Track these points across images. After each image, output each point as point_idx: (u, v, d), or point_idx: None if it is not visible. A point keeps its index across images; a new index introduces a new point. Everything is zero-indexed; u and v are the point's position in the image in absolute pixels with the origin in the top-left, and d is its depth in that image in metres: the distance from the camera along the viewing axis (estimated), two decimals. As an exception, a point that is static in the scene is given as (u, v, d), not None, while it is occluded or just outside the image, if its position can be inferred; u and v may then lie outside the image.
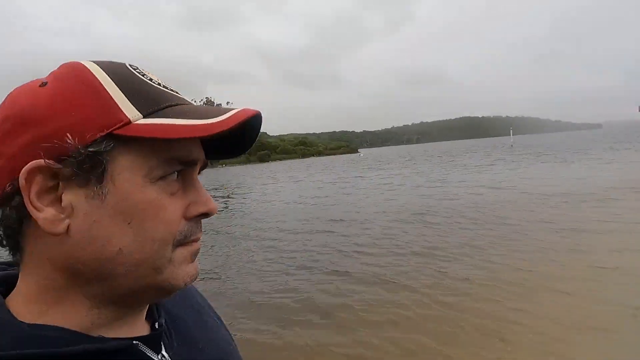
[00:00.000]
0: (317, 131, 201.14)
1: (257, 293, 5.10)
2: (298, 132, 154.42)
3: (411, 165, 31.92)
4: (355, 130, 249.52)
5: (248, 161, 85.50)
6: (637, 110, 38.13)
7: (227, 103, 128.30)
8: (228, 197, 19.25)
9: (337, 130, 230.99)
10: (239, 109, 0.36)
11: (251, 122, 0.38)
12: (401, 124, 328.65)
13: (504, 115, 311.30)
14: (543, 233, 7.00)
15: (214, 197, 14.44)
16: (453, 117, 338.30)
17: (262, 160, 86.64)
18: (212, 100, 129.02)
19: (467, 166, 25.38)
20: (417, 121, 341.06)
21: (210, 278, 6.17)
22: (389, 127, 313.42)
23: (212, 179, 36.99)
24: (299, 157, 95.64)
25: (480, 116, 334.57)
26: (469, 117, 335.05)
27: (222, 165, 77.76)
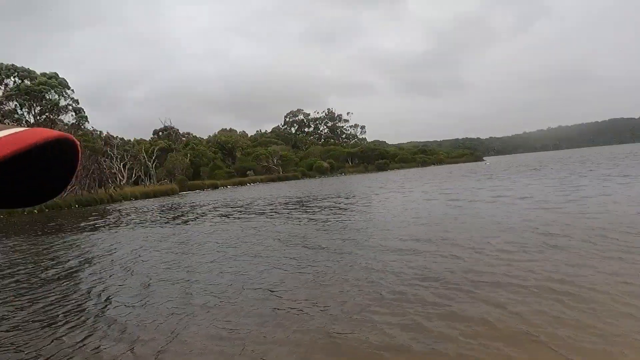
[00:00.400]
0: (439, 139, 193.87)
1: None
2: (418, 140, 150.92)
3: (543, 175, 28.86)
4: (481, 137, 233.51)
5: (366, 170, 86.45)
6: None
7: (348, 114, 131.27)
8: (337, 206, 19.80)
9: (460, 138, 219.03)
10: (22, 130, 0.26)
11: (46, 154, 0.26)
12: (534, 129, 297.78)
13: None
14: None
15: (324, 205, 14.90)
16: (600, 120, 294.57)
17: (380, 169, 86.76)
18: (333, 111, 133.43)
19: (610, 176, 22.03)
20: (554, 125, 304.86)
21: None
22: (520, 132, 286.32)
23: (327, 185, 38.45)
24: (418, 166, 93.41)
25: (636, 117, 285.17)
26: (621, 119, 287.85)
27: (341, 174, 79.85)
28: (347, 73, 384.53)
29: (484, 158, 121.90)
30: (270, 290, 6.38)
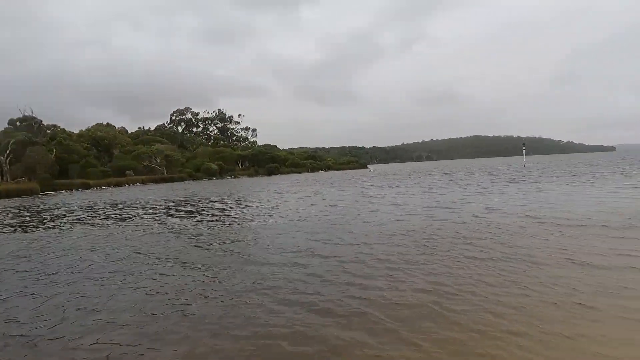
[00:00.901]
0: (327, 145, 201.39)
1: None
2: (308, 146, 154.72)
3: (416, 181, 31.55)
4: (365, 146, 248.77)
5: (257, 173, 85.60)
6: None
7: (239, 116, 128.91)
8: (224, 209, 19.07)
9: (347, 145, 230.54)
10: None
11: None
12: (411, 141, 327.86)
13: (515, 136, 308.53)
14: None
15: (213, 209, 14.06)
16: (464, 136, 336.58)
17: (270, 173, 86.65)
18: (224, 112, 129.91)
19: (481, 186, 24.93)
20: (428, 139, 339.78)
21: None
22: (399, 143, 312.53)
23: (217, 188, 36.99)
24: (307, 171, 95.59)
25: (491, 135, 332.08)
26: (480, 136, 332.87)
27: (231, 177, 77.88)
28: (241, 75, 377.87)
29: (369, 166, 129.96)
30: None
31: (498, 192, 19.28)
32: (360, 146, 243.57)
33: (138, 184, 60.43)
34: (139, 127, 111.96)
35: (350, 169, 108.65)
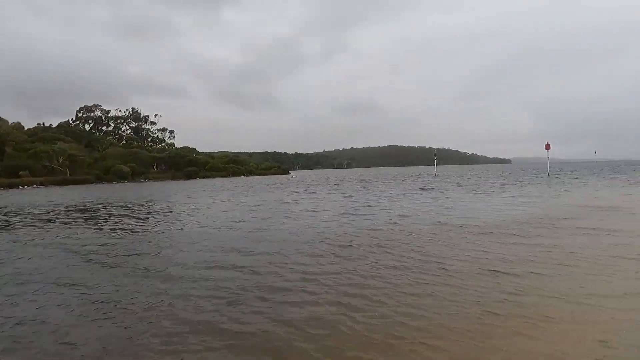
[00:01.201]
0: (250, 150, 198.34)
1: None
2: (229, 150, 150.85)
3: (336, 189, 32.10)
4: (288, 152, 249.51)
5: (174, 177, 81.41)
6: (544, 149, 41.92)
7: (156, 116, 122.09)
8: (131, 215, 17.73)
9: (270, 151, 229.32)
10: None
11: None
12: (332, 149, 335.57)
13: (427, 147, 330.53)
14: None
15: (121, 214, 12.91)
16: (382, 145, 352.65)
17: (189, 177, 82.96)
18: (139, 111, 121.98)
19: (393, 193, 25.89)
20: (348, 147, 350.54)
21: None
22: (321, 150, 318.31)
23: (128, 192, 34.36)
24: (228, 176, 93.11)
25: (406, 146, 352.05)
26: (397, 146, 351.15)
27: (145, 180, 73.38)
28: (158, 73, 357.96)
29: (290, 172, 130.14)
30: None
31: (410, 200, 20.14)
32: (282, 152, 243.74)
33: (35, 186, 54.22)
34: (38, 124, 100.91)
35: (272, 174, 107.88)
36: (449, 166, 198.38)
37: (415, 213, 14.47)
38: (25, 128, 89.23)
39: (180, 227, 12.99)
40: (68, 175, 64.24)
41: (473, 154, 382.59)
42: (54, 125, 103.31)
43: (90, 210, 19.84)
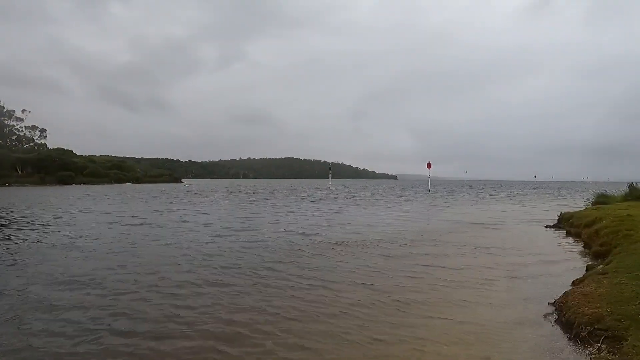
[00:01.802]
0: (137, 155, 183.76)
1: None
2: (114, 155, 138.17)
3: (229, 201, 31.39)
4: (181, 160, 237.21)
5: (43, 182, 71.71)
6: (426, 167, 46.03)
7: (23, 111, 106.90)
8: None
9: (161, 157, 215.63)
10: None
11: None
12: (229, 158, 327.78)
13: (322, 160, 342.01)
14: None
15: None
16: (279, 157, 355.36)
17: (62, 182, 73.90)
18: (3, 105, 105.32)
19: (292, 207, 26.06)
20: (245, 157, 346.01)
21: None
22: (217, 159, 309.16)
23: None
24: (111, 182, 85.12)
25: (302, 159, 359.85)
26: (293, 159, 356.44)
27: (5, 184, 63.69)
28: (27, 64, 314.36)
29: (183, 180, 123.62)
30: None
31: (305, 212, 20.42)
32: (175, 159, 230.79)
33: None
34: None
35: (162, 182, 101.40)
36: (343, 180, 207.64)
37: (304, 227, 14.64)
38: None
39: (39, 240, 11.30)
40: None
41: (364, 169, 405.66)
42: None
43: None
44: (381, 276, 7.41)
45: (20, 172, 74.89)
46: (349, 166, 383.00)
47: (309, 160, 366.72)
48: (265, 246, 10.42)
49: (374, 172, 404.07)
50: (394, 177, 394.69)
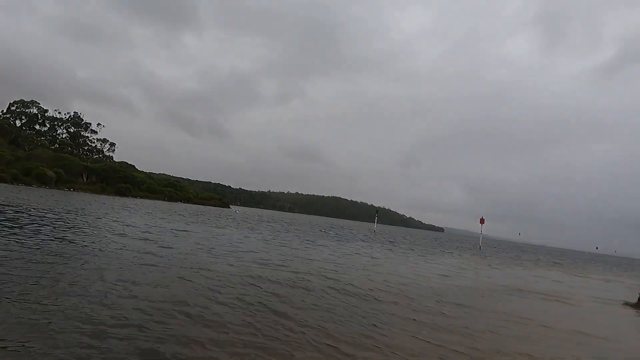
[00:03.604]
0: (192, 177, 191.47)
1: None
2: (171, 174, 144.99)
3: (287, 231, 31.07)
4: (232, 186, 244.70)
5: (103, 191, 75.83)
6: (479, 223, 43.52)
7: (98, 125, 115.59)
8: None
9: (214, 182, 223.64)
10: None
11: None
12: (277, 190, 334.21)
13: (369, 203, 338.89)
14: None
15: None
16: (325, 195, 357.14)
17: (120, 193, 77.79)
18: (81, 116, 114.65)
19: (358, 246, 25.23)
20: (293, 191, 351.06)
21: None
22: (265, 189, 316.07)
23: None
24: (164, 199, 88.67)
25: (349, 199, 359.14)
26: (340, 198, 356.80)
27: (70, 189, 67.86)
28: (106, 83, 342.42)
29: (232, 206, 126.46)
30: None
31: (348, 252, 19.51)
32: (226, 185, 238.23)
33: None
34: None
35: (211, 205, 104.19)
36: (387, 225, 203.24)
37: (345, 268, 13.76)
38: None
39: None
40: (-20, 169, 57.61)
41: (410, 217, 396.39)
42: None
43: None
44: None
45: (85, 180, 79.80)
46: (395, 212, 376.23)
47: (355, 202, 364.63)
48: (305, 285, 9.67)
49: (420, 221, 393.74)
50: (441, 230, 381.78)
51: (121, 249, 11.10)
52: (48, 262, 8.12)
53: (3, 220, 14.25)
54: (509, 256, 36.15)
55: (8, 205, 20.57)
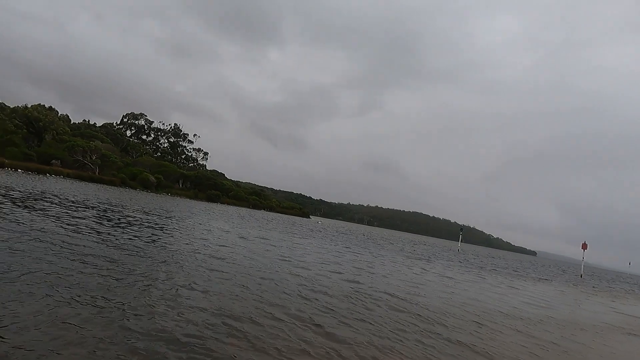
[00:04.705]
0: (276, 187, 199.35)
1: None
2: (256, 183, 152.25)
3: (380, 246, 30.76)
4: (313, 197, 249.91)
5: (196, 197, 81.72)
6: (580, 248, 38.94)
7: (195, 136, 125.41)
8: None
9: (295, 192, 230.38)
10: None
11: None
12: (357, 203, 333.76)
13: (452, 221, 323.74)
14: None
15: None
16: (406, 210, 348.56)
17: (210, 199, 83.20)
18: (181, 127, 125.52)
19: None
20: (373, 204, 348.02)
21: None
22: (345, 202, 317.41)
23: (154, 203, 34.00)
24: (249, 207, 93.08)
25: (431, 215, 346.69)
26: (421, 214, 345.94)
27: (168, 194, 74.03)
28: (197, 95, 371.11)
29: (311, 216, 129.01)
30: None
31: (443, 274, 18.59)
32: (307, 195, 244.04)
33: (62, 176, 55.13)
34: (84, 120, 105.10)
35: (292, 214, 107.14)
36: (473, 245, 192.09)
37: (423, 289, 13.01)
38: (72, 122, 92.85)
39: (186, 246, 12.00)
40: (97, 173, 65.38)
41: (498, 238, 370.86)
42: (99, 124, 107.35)
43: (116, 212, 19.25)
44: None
45: (180, 185, 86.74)
46: (481, 232, 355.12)
47: (437, 219, 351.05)
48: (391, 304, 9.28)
49: (509, 243, 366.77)
50: (533, 253, 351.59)
51: (236, 254, 11.66)
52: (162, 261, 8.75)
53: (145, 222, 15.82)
54: (622, 288, 31.89)
55: (126, 209, 22.87)
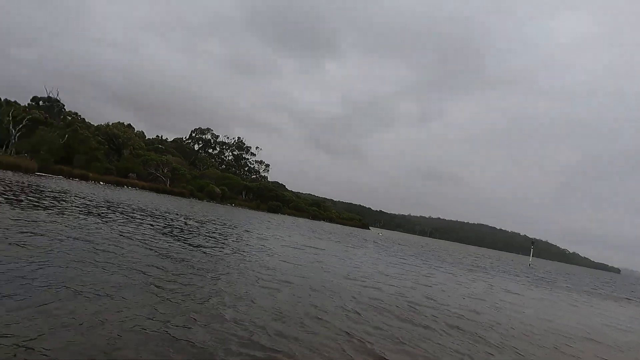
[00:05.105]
0: (335, 198, 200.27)
1: None
2: (316, 194, 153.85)
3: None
4: (372, 208, 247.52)
5: (258, 207, 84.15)
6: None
7: (257, 148, 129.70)
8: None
9: (355, 203, 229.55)
10: None
11: None
12: (418, 214, 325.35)
13: (521, 234, 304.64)
14: None
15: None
16: (470, 222, 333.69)
17: (272, 210, 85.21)
18: (244, 141, 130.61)
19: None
20: (435, 216, 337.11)
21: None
22: (405, 213, 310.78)
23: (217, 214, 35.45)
24: (309, 217, 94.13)
25: (497, 228, 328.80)
26: (487, 226, 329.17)
27: (232, 204, 76.78)
28: (259, 109, 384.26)
29: (371, 227, 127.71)
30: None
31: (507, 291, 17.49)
32: (367, 207, 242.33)
33: (137, 188, 59.31)
34: (157, 136, 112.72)
35: (351, 225, 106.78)
36: (546, 261, 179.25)
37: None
38: (146, 137, 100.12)
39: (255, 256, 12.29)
40: (168, 185, 69.62)
41: (575, 253, 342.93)
42: (170, 139, 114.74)
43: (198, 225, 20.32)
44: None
45: (244, 197, 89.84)
46: (555, 246, 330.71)
47: (505, 231, 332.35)
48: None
49: (587, 258, 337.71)
50: (616, 270, 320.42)
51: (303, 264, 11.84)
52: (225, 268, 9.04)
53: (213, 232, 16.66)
54: None
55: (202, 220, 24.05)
